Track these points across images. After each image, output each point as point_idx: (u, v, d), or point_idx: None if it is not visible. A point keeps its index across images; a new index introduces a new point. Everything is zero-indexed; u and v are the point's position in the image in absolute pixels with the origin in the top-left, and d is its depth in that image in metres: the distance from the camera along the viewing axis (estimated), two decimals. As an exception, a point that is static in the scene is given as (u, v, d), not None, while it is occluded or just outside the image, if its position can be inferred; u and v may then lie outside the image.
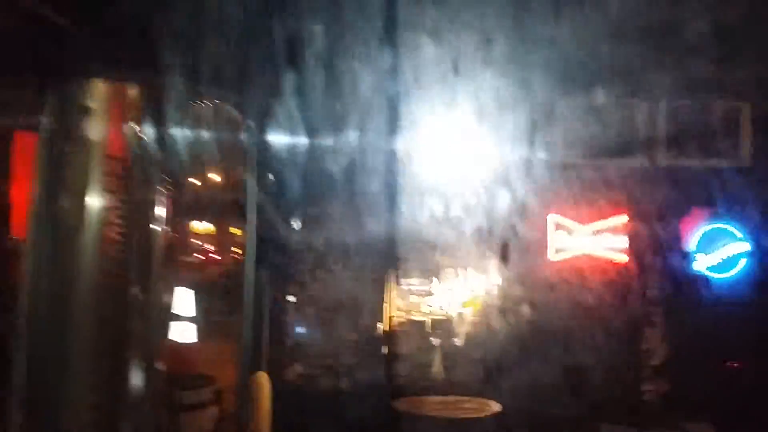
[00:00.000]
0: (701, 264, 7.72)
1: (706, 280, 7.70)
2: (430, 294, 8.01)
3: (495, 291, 7.92)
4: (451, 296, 7.98)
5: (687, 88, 7.54)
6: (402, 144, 7.69)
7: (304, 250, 7.98)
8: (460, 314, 7.90)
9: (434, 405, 5.90)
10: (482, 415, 5.68)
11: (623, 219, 7.66)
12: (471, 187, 8.00)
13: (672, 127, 7.65)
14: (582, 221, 7.73)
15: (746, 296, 7.60)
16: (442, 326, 7.95)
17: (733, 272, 7.70)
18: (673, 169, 7.63)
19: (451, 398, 6.19)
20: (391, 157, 7.73)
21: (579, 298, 7.75)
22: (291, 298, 8.00)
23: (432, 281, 8.04)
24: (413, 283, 8.04)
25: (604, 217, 7.70)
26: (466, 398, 6.08)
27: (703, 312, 7.59)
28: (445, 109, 7.82)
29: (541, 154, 7.66)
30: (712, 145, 7.61)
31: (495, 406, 5.74)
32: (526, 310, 7.73)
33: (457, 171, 8.00)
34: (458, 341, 7.87)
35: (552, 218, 7.76)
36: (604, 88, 7.50)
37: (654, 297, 7.66)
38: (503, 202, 7.82)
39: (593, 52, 7.31)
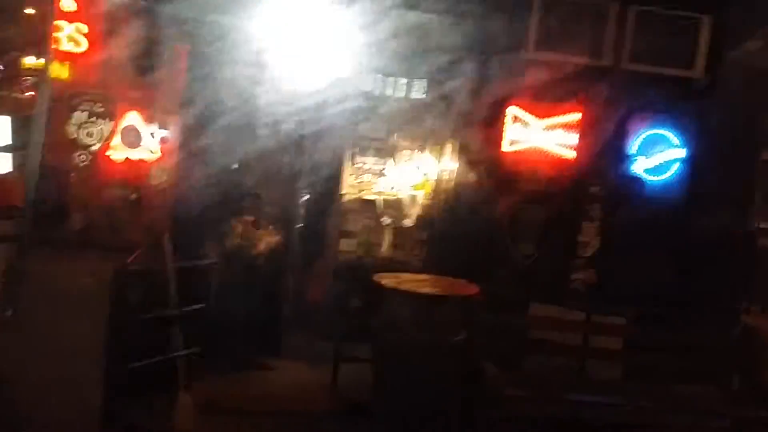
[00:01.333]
0: (640, 166, 8.20)
1: (642, 181, 8.21)
2: (383, 174, 8.07)
3: (447, 176, 8.09)
4: (404, 178, 8.09)
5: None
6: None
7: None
8: (412, 196, 8.05)
9: (413, 281, 6.10)
10: (460, 293, 5.95)
11: (576, 116, 7.94)
12: (432, 74, 8.01)
13: (637, 32, 7.87)
14: (538, 116, 7.95)
15: (676, 198, 8.23)
16: (394, 206, 8.09)
17: (667, 176, 8.24)
18: (630, 73, 7.92)
19: (428, 276, 6.42)
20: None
21: (527, 188, 8.11)
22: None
23: (386, 162, 8.09)
24: (368, 162, 8.06)
25: (559, 113, 7.94)
26: (443, 277, 6.31)
27: (636, 210, 8.17)
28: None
29: (508, 48, 7.75)
30: (669, 54, 7.94)
31: (473, 288, 6.02)
32: (474, 196, 7.99)
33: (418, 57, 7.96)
34: (409, 222, 8.06)
35: (510, 110, 7.92)
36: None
37: (595, 193, 8.12)
38: (463, 90, 7.92)
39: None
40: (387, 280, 5.98)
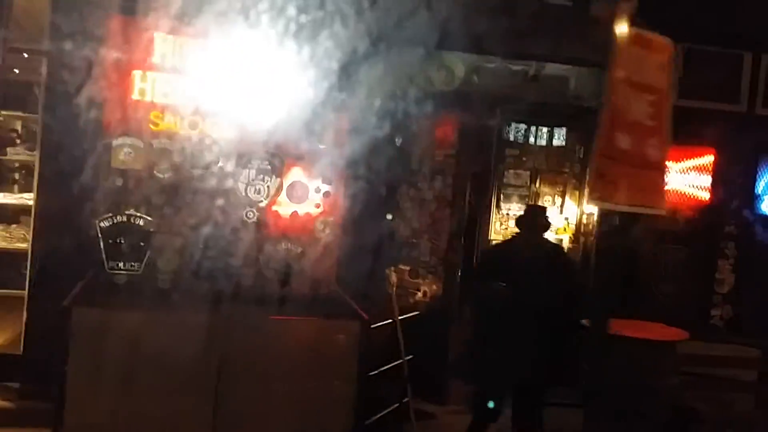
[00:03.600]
0: (766, 205, 8.57)
1: (768, 219, 8.60)
2: (527, 220, 8.29)
3: (588, 219, 8.35)
4: (547, 223, 8.32)
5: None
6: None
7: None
8: (556, 240, 8.28)
9: (632, 327, 6.28)
10: (674, 339, 6.17)
11: (709, 159, 8.30)
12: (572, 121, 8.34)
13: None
14: (674, 159, 8.27)
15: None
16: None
17: (792, 213, 8.64)
18: (760, 117, 8.32)
19: (642, 322, 6.59)
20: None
21: (665, 230, 8.41)
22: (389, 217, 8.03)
23: (530, 207, 8.32)
24: (512, 208, 8.29)
25: (693, 156, 8.29)
26: (644, 322, 6.51)
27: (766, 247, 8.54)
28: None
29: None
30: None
31: (682, 333, 6.23)
32: (615, 238, 8.24)
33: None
34: (556, 265, 8.25)
35: (649, 155, 8.21)
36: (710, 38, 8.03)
37: (729, 232, 8.46)
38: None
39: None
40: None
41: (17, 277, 7.75)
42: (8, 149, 7.81)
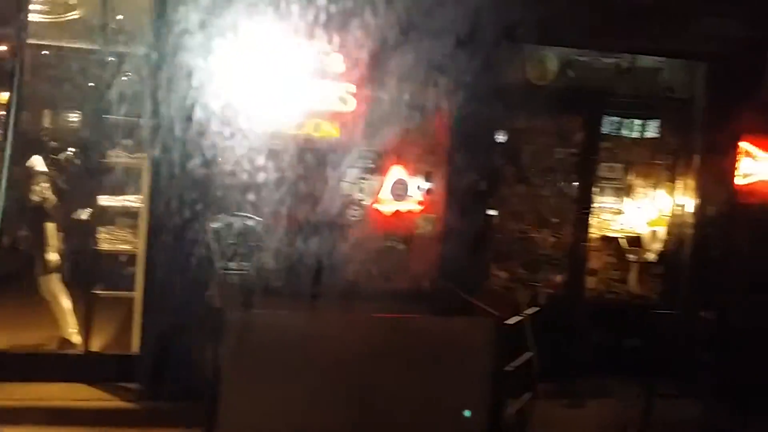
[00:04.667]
0: None
1: None
2: (620, 212, 8.35)
3: (682, 211, 8.37)
4: (640, 215, 8.37)
5: None
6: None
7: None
8: (653, 232, 8.31)
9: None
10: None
11: (800, 149, 8.31)
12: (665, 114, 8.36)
13: None
14: (765, 149, 8.29)
15: None
16: (636, 243, 8.35)
17: None
18: None
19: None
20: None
21: (758, 219, 8.43)
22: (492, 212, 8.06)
23: (623, 200, 8.36)
24: (606, 201, 8.33)
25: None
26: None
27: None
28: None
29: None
30: None
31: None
32: (710, 229, 8.30)
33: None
34: (652, 257, 8.31)
35: (742, 146, 8.25)
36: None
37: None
38: (696, 127, 8.27)
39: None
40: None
41: (121, 278, 7.87)
42: (108, 152, 7.88)
